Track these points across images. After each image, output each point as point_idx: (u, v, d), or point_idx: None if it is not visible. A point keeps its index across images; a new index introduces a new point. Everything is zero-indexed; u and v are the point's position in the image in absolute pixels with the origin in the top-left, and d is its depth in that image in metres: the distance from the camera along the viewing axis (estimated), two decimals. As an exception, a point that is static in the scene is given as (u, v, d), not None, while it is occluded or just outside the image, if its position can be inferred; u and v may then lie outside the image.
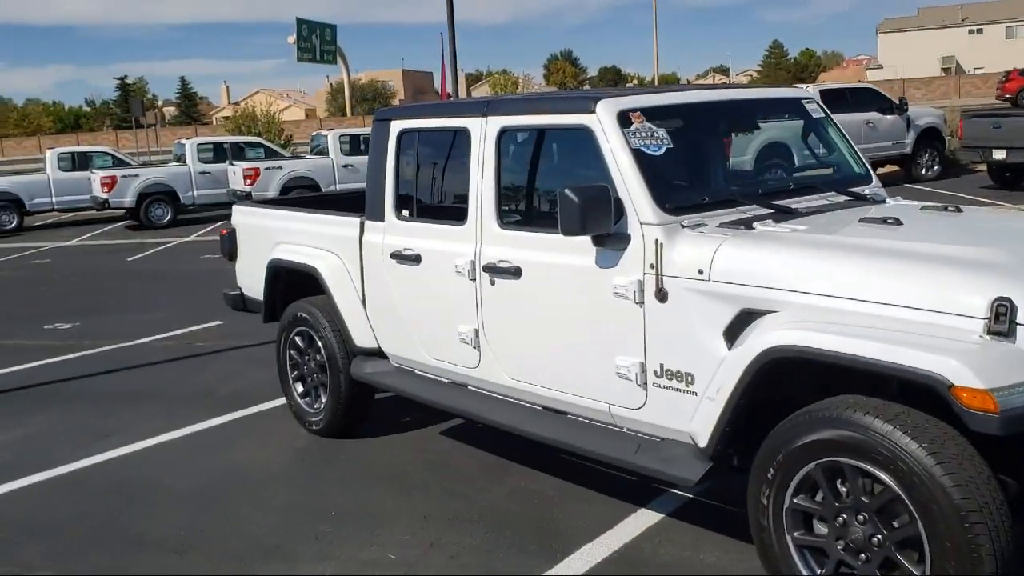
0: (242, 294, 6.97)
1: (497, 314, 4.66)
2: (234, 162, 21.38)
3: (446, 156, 5.08)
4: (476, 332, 4.78)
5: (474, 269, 4.71)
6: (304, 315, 5.96)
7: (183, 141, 23.18)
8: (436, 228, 5.00)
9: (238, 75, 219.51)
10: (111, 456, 6.05)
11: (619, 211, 3.98)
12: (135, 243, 18.99)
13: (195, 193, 22.09)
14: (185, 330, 9.90)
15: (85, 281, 14.33)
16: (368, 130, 24.90)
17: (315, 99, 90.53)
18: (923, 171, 19.99)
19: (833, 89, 19.92)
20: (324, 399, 5.93)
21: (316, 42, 60.94)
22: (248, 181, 20.55)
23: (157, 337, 9.66)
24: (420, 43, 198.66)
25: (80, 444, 6.31)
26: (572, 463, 5.06)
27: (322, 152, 22.17)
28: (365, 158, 20.98)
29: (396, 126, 5.29)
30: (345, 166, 21.31)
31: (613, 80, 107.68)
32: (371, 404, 6.04)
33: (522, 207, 4.68)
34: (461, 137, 4.84)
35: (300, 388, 6.23)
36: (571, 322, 4.26)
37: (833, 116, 5.06)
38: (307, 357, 6.09)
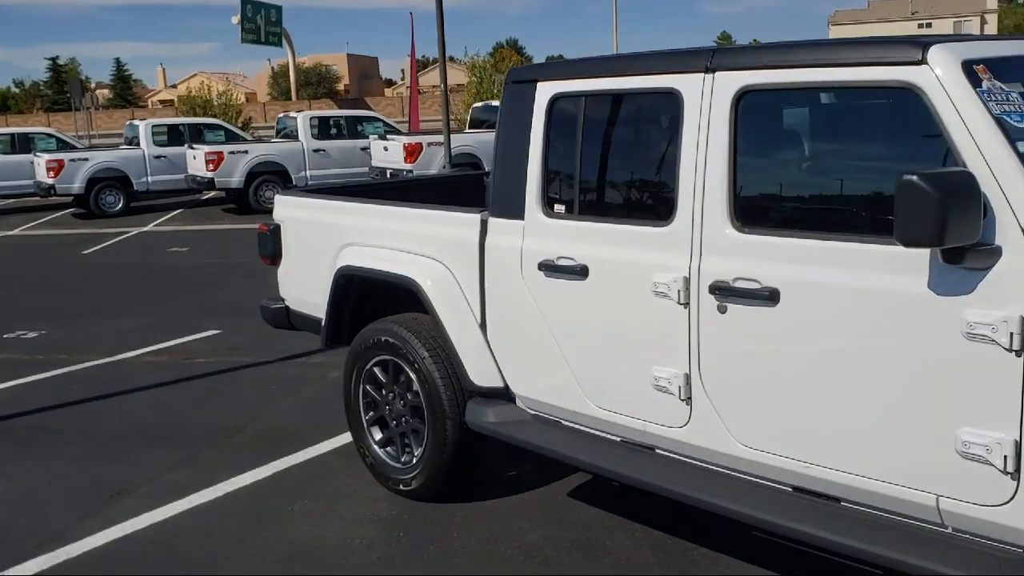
0: (287, 308, 5.49)
1: (728, 355, 3.29)
2: (194, 145, 19.59)
3: (635, 129, 3.72)
4: (686, 378, 3.41)
5: (687, 289, 3.34)
6: (390, 340, 4.52)
7: (135, 122, 21.31)
8: (617, 230, 3.62)
9: (173, 58, 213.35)
10: (134, 528, 4.55)
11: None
12: (87, 233, 17.17)
13: (150, 179, 20.24)
14: (177, 341, 8.34)
15: (41, 278, 12.58)
16: (338, 112, 23.46)
17: (255, 82, 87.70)
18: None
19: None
20: (420, 451, 4.51)
21: (261, 23, 58.80)
22: (211, 166, 18.80)
23: (146, 350, 8.09)
24: (365, 27, 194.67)
25: (88, 508, 4.80)
26: (774, 544, 3.71)
27: (289, 136, 20.48)
28: (338, 143, 19.83)
29: (546, 90, 3.88)
30: (316, 151, 19.67)
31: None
32: (482, 459, 4.63)
33: (783, 202, 3.30)
34: (665, 103, 3.46)
35: (379, 435, 4.80)
36: (875, 373, 2.91)
37: None
38: (392, 395, 4.67)
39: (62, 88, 74.05)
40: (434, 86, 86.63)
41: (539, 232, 3.88)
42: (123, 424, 6.13)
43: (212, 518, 4.64)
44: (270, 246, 5.42)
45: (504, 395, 4.24)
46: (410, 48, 28.33)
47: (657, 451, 3.64)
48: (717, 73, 3.29)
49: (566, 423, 4.00)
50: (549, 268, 3.81)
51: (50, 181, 19.30)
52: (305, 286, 5.27)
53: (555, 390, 3.94)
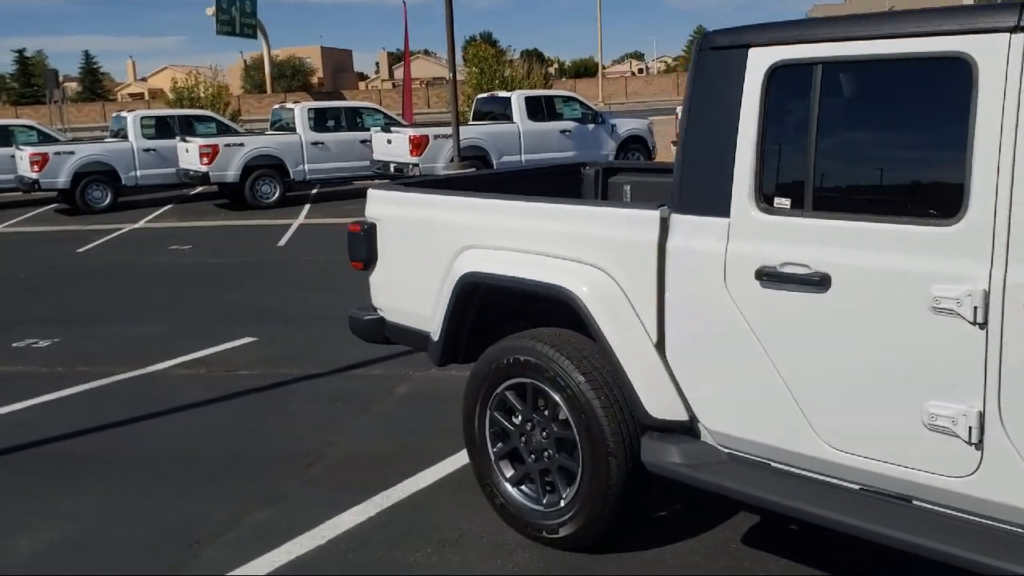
0: (382, 320, 4.74)
1: (1047, 388, 2.60)
2: (186, 138, 18.68)
3: (897, 104, 3.00)
4: (979, 416, 2.72)
5: (986, 305, 2.65)
6: (531, 360, 3.80)
7: (123, 114, 20.30)
8: (874, 230, 2.92)
9: (140, 52, 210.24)
10: (230, 591, 3.80)
11: None
12: (77, 230, 16.23)
13: (138, 173, 19.28)
14: (211, 350, 7.55)
15: (40, 279, 11.68)
16: (336, 104, 22.57)
17: (228, 76, 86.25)
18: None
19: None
20: (571, 492, 3.79)
21: (236, 14, 57.71)
22: (205, 160, 17.89)
23: (177, 361, 7.29)
24: (339, 21, 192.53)
25: (167, 560, 4.03)
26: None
27: (284, 128, 19.60)
28: (337, 136, 18.94)
29: (763, 57, 3.16)
30: (315, 143, 18.79)
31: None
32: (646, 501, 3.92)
33: None
34: (946, 71, 2.76)
35: (510, 471, 4.07)
36: None
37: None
38: (529, 425, 3.94)
39: (29, 81, 72.37)
40: (413, 79, 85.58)
41: (753, 233, 3.18)
42: (178, 450, 5.35)
43: (325, 570, 3.89)
44: (364, 248, 4.67)
45: (685, 429, 3.53)
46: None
47: (915, 503, 2.95)
48: (1030, 33, 2.60)
49: (775, 464, 3.30)
50: (770, 277, 3.11)
51: (34, 175, 18.32)
52: (408, 295, 4.54)
53: (768, 426, 3.24)
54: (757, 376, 3.21)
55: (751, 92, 3.17)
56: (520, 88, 21.86)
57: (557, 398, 3.74)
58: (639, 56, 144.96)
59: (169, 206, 19.32)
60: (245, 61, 78.03)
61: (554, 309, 3.98)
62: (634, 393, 3.52)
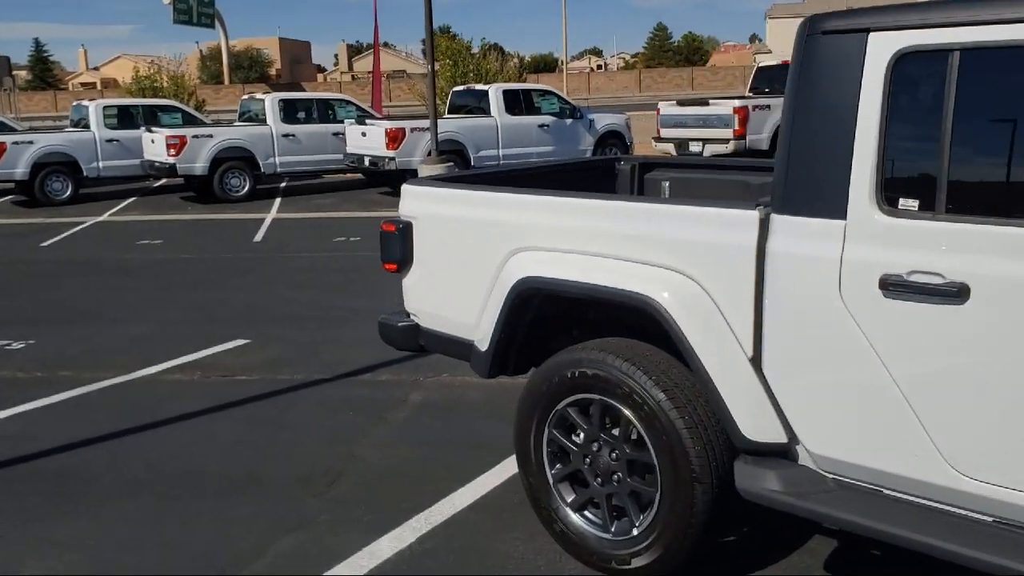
0: (417, 327, 4.36)
1: None
2: (152, 128, 18.05)
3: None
4: None
5: None
6: (599, 374, 3.45)
7: (84, 103, 19.59)
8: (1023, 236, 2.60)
9: (92, 40, 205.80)
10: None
11: None
12: (37, 223, 15.57)
13: (100, 164, 18.58)
14: (202, 354, 7.10)
15: (4, 275, 11.08)
16: (307, 95, 22.00)
17: (185, 66, 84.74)
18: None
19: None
20: (647, 520, 3.44)
21: (193, 3, 56.74)
22: (172, 151, 17.30)
23: (168, 365, 6.84)
24: (296, 12, 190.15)
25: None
26: None
27: (253, 119, 19.03)
28: (309, 128, 18.36)
29: (885, 43, 2.83)
30: (286, 135, 18.24)
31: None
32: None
33: None
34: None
35: (571, 495, 3.72)
36: None
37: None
38: (596, 445, 3.59)
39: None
40: (369, 72, 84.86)
41: (874, 237, 2.85)
42: (182, 467, 4.93)
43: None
44: (398, 249, 4.28)
45: (782, 452, 3.20)
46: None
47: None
48: None
49: (887, 492, 2.98)
50: (896, 287, 2.78)
51: (-10, 166, 17.59)
52: (448, 300, 4.17)
53: (885, 450, 2.92)
54: (874, 395, 2.89)
55: (872, 81, 2.85)
56: (494, 82, 21.44)
57: (631, 417, 3.40)
58: (598, 52, 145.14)
59: (133, 199, 18.68)
60: (201, 51, 76.65)
61: (619, 318, 3.64)
62: (727, 412, 3.18)
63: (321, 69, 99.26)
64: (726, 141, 15.87)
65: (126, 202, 18.17)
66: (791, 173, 3.03)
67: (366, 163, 17.24)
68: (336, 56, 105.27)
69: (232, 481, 4.71)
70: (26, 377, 6.69)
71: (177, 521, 4.27)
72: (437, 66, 28.29)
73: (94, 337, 7.77)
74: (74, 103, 20.56)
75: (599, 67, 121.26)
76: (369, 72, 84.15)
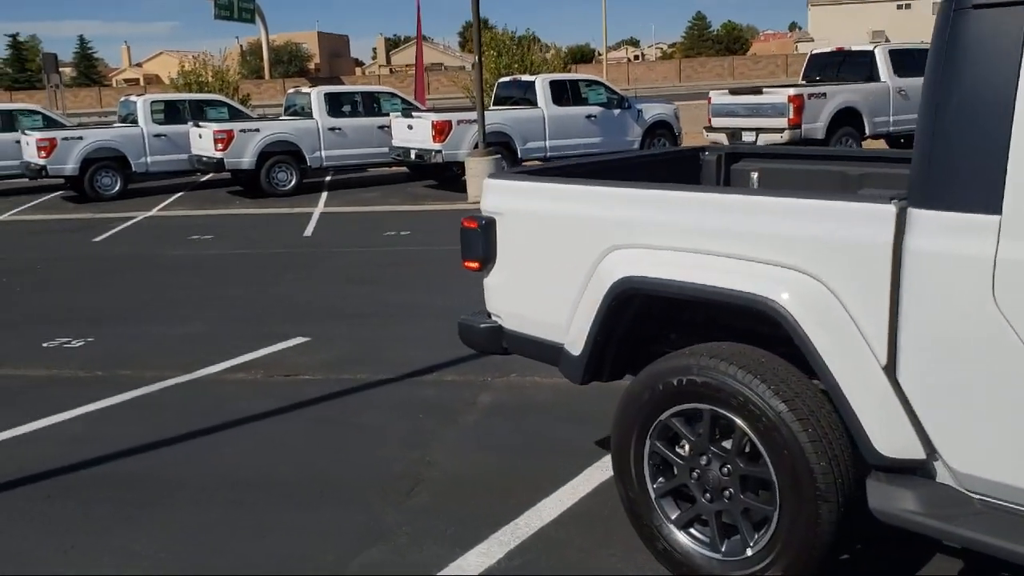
0: (500, 328, 4.14)
1: None
2: (200, 123, 17.99)
3: None
4: None
5: None
6: (709, 382, 3.20)
7: (132, 98, 19.61)
8: None
9: (133, 37, 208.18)
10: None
11: None
12: (88, 219, 15.57)
13: (149, 159, 18.59)
14: (262, 352, 6.94)
15: (58, 271, 11.04)
16: (353, 88, 21.86)
17: (223, 62, 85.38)
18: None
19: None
20: (763, 540, 3.20)
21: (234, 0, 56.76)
22: (220, 146, 17.21)
23: (228, 364, 6.68)
24: (335, 6, 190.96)
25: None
26: None
27: (298, 113, 18.93)
28: (355, 121, 18.20)
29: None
30: (332, 129, 18.11)
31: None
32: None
33: None
34: None
35: (676, 512, 3.48)
36: None
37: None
38: (705, 458, 3.34)
39: (23, 66, 71.34)
40: (407, 65, 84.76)
41: (1037, 233, 2.58)
42: (253, 473, 4.75)
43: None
44: (481, 246, 4.06)
45: (918, 469, 2.94)
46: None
47: None
48: None
49: (1042, 513, 2.71)
50: (1068, 290, 2.51)
51: (41, 162, 17.62)
52: (535, 301, 3.94)
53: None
54: (1033, 409, 2.62)
55: (1044, 58, 2.57)
56: (539, 72, 21.16)
57: (746, 429, 3.15)
58: (635, 43, 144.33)
59: (180, 193, 18.66)
60: (241, 47, 77.09)
61: (725, 322, 3.40)
62: (858, 425, 2.93)
63: (359, 63, 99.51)
64: (781, 130, 15.49)
65: (174, 197, 18.15)
66: (934, 163, 2.77)
67: (412, 156, 17.05)
68: (374, 50, 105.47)
69: (307, 488, 4.52)
70: (87, 376, 6.57)
71: (253, 531, 4.09)
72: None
73: (152, 335, 7.65)
74: (121, 99, 20.60)
75: (636, 57, 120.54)
76: (407, 65, 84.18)
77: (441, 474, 4.63)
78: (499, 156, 15.88)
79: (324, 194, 17.46)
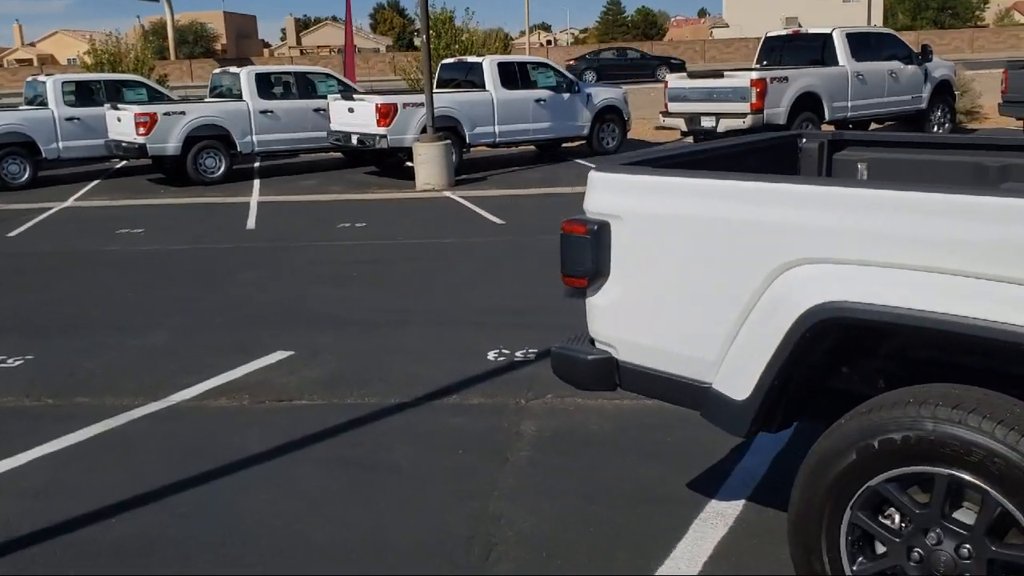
0: (613, 361, 3.30)
1: None
2: (118, 105, 16.58)
3: None
4: None
5: None
6: (954, 441, 2.44)
7: (40, 78, 18.06)
8: None
9: (26, 16, 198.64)
10: None
11: None
12: (-2, 210, 14.13)
13: (60, 145, 17.05)
14: (241, 371, 5.97)
15: (-25, 272, 9.77)
16: (285, 68, 20.53)
17: (134, 40, 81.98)
18: (935, 128, 17.84)
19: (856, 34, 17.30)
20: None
21: (137, -26, 54.31)
22: (141, 129, 15.86)
23: (205, 387, 5.70)
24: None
25: None
26: None
27: (225, 95, 17.64)
28: (288, 103, 16.88)
29: None
30: (264, 112, 16.90)
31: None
32: None
33: None
34: None
35: (886, 597, 2.71)
36: None
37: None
38: (935, 537, 2.58)
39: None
40: (319, 47, 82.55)
41: None
42: (280, 534, 3.83)
43: None
44: (590, 257, 3.21)
45: None
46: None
47: None
48: None
49: None
50: None
51: (-58, 148, 16.03)
52: (670, 328, 3.12)
53: None
54: None
55: None
56: (479, 54, 20.24)
57: (1005, 502, 2.40)
58: (546, 27, 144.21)
59: (96, 182, 17.25)
60: (143, 26, 73.92)
61: (958, 359, 2.64)
62: None
63: (266, 44, 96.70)
64: (743, 116, 14.94)
65: (90, 185, 16.75)
66: None
67: (353, 141, 15.98)
68: (283, 31, 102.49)
69: (356, 555, 3.63)
70: (36, 406, 5.52)
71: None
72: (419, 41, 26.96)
73: (104, 349, 6.58)
74: (28, 79, 18.95)
75: (548, 43, 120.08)
76: (319, 47, 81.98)
77: (516, 534, 3.78)
78: (449, 142, 14.99)
79: (256, 182, 16.31)
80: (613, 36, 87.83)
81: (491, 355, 6.07)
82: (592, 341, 3.39)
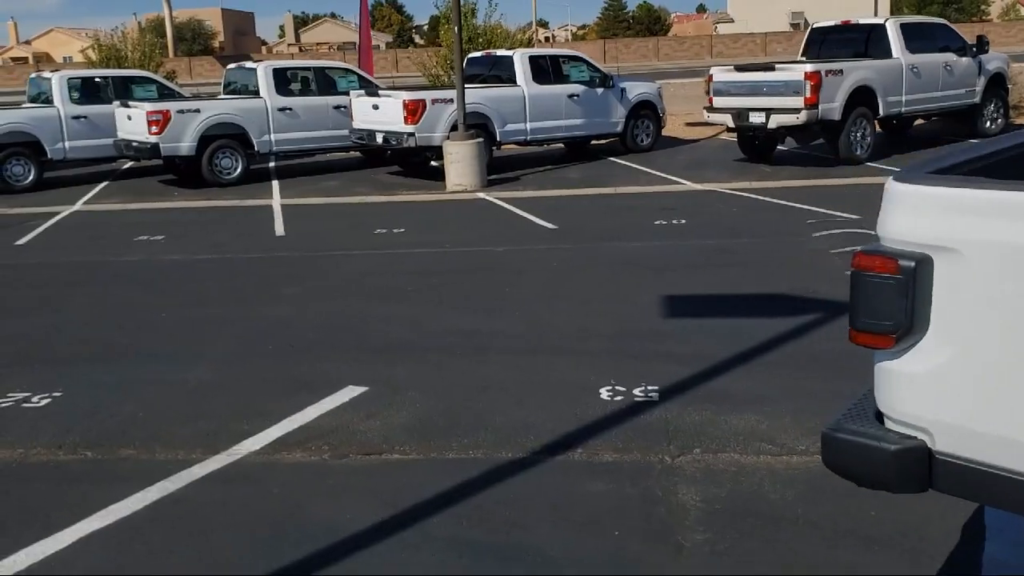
0: (927, 452, 2.34)
1: None
2: (128, 103, 15.60)
3: None
4: None
5: None
6: None
7: (44, 75, 17.05)
8: None
9: (20, 13, 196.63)
10: None
11: None
12: (1, 215, 13.14)
13: (67, 144, 16.03)
14: (310, 414, 5.03)
15: (-16, 287, 8.79)
16: (304, 63, 19.50)
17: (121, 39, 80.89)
18: (988, 124, 16.90)
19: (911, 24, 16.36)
20: None
21: (135, -29, 53.24)
22: (154, 128, 14.87)
23: (273, 436, 4.75)
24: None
25: None
26: None
27: (240, 92, 16.66)
28: (306, 100, 15.58)
29: None
30: (282, 109, 15.92)
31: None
32: None
33: None
34: None
35: None
36: None
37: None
38: None
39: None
40: (318, 44, 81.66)
41: None
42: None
43: None
44: (900, 305, 2.26)
45: None
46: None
47: None
48: None
49: None
50: None
51: (-61, 148, 15.03)
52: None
53: None
54: None
55: None
56: (505, 48, 19.27)
57: None
58: (544, 24, 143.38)
59: (105, 183, 16.27)
60: (140, 23, 72.88)
61: None
62: None
63: (264, 42, 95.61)
64: (796, 111, 14.00)
65: (98, 187, 15.78)
66: None
67: (378, 140, 15.04)
68: (281, 28, 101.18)
69: None
70: (72, 461, 4.56)
71: None
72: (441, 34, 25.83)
73: (141, 385, 5.63)
74: (31, 76, 17.95)
75: (547, 39, 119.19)
76: (318, 44, 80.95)
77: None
78: (482, 140, 14.04)
79: (275, 183, 15.36)
80: (615, 32, 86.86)
81: (604, 393, 5.14)
82: (880, 418, 2.44)
